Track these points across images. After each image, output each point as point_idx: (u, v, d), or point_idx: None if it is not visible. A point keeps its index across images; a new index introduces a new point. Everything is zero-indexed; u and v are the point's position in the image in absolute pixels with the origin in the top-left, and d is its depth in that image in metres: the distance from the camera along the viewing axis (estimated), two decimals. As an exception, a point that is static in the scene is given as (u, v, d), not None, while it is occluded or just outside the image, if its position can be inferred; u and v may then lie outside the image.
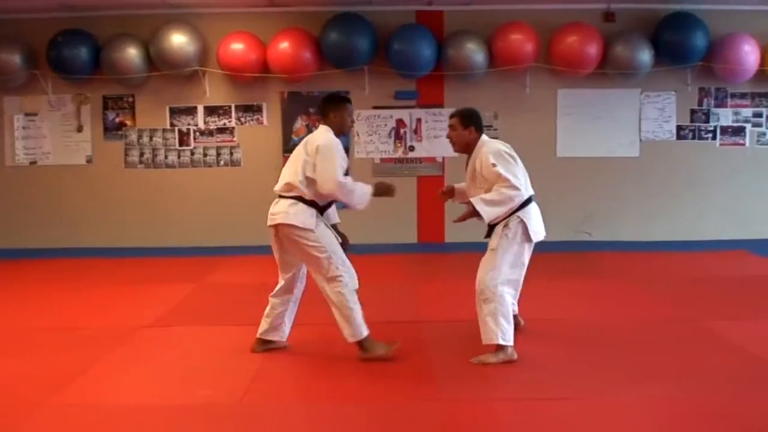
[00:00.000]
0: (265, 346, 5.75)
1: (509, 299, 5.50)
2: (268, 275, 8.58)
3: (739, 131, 11.10)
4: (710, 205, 11.09)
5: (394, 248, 10.41)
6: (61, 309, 7.29)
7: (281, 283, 5.74)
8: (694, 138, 11.05)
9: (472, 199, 5.52)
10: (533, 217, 5.59)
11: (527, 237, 5.54)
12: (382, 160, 10.85)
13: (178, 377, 5.16)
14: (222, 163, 10.84)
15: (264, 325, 5.74)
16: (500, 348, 5.43)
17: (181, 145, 10.85)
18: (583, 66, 10.31)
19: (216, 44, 10.39)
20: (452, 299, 7.41)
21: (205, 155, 10.83)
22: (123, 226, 10.93)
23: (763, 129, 11.13)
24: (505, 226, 5.52)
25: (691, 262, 9.35)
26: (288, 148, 10.74)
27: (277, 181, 5.55)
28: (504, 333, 5.39)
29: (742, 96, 11.06)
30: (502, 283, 5.47)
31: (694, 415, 4.40)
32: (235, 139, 10.83)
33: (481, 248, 10.17)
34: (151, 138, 10.85)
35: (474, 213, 5.49)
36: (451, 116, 5.84)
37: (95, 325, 6.54)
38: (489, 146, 5.63)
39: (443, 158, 10.86)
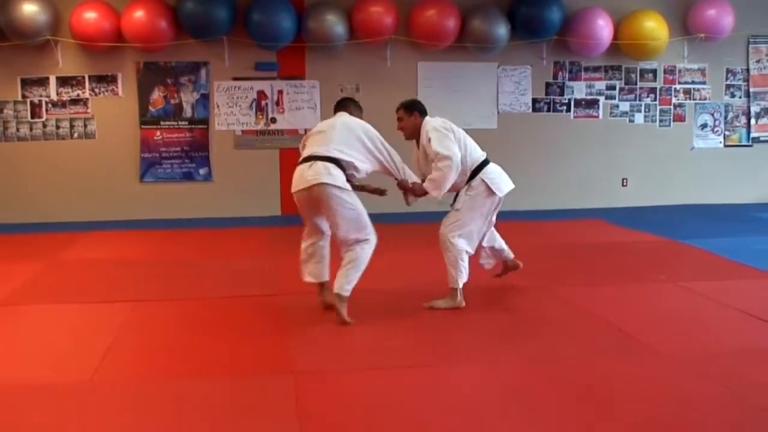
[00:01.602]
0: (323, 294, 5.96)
1: (464, 247, 5.97)
2: (124, 250, 8.48)
3: (592, 104, 11.48)
4: (566, 175, 11.46)
5: (257, 221, 10.32)
6: None
7: (304, 235, 5.93)
8: (549, 111, 11.38)
9: (426, 186, 5.85)
10: (494, 175, 6.07)
11: (490, 192, 6.00)
12: (243, 132, 10.71)
13: (22, 357, 4.95)
14: (76, 135, 10.45)
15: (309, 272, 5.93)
16: (453, 292, 5.97)
17: (33, 117, 10.40)
18: (442, 39, 10.44)
19: (68, 13, 9.98)
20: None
21: (58, 127, 10.42)
22: (-29, 202, 10.43)
23: (615, 101, 11.56)
24: (469, 188, 6.00)
25: (548, 231, 9.61)
26: (145, 119, 10.46)
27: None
28: (453, 280, 5.94)
29: (596, 69, 11.44)
30: (460, 235, 5.96)
31: (541, 379, 4.53)
32: (89, 110, 10.47)
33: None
34: (1, 110, 10.36)
35: (425, 193, 5.90)
36: (397, 110, 6.13)
37: (-64, 305, 6.21)
38: (428, 125, 5.96)
39: (306, 130, 10.79)
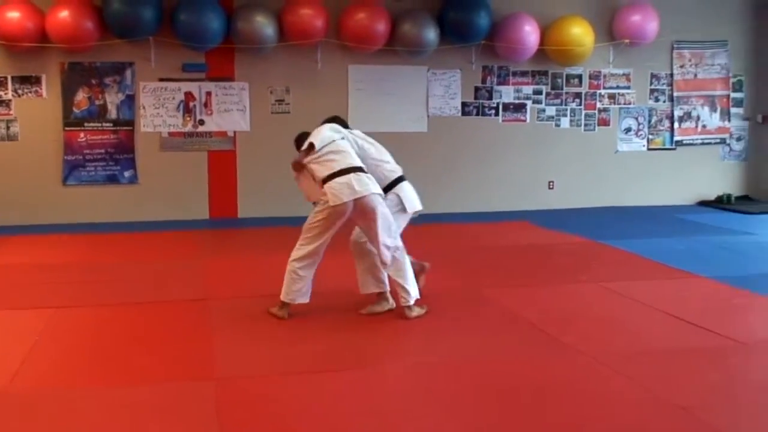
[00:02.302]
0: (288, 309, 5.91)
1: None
2: (46, 255, 8.30)
3: (520, 108, 11.62)
4: (494, 178, 11.57)
5: (184, 225, 10.18)
6: None
7: (314, 252, 5.85)
8: (478, 114, 11.47)
9: None
10: (408, 192, 6.21)
11: (403, 208, 6.10)
12: (170, 134, 10.56)
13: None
14: (-3, 137, 10.21)
15: (294, 291, 5.85)
16: (379, 296, 6.05)
17: (-47, 119, 10.13)
18: (372, 42, 10.45)
19: (-10, 12, 9.73)
20: (241, 275, 7.35)
21: (-21, 129, 10.16)
22: None
23: (542, 106, 11.70)
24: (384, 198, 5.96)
25: (475, 233, 9.69)
26: (69, 121, 10.26)
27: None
28: (368, 285, 6.07)
29: (523, 74, 11.58)
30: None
31: (463, 381, 4.58)
32: (11, 112, 10.19)
33: (274, 223, 10.07)
34: None
35: None
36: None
37: None
38: None
39: (234, 133, 10.72)
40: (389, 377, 4.66)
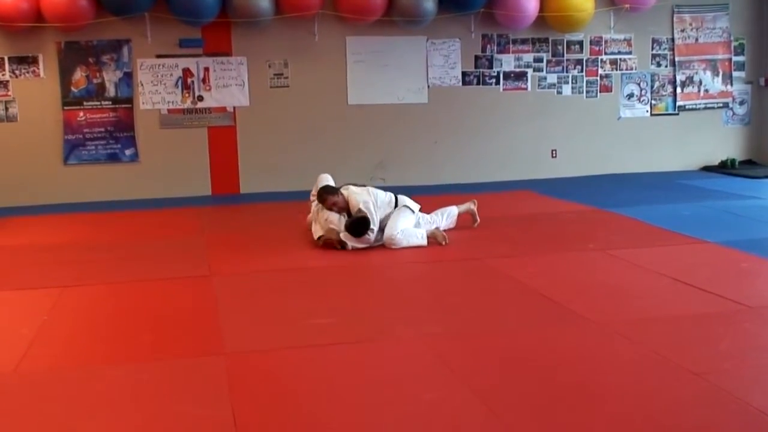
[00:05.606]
0: None
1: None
2: (50, 235, 8.28)
3: (520, 76, 11.53)
4: (496, 147, 11.51)
5: (187, 201, 10.14)
6: None
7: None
8: (478, 84, 11.39)
9: None
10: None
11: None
12: (169, 111, 10.49)
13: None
14: (-4, 118, 10.15)
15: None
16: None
17: (-49, 101, 10.06)
18: (370, 13, 10.33)
19: (-16, -7, 9.63)
20: (245, 251, 7.31)
21: (-23, 111, 10.10)
22: None
23: (543, 74, 11.62)
24: None
25: (479, 203, 9.50)
26: (67, 100, 10.20)
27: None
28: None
29: (523, 42, 11.48)
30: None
31: (472, 350, 4.57)
32: (9, 93, 10.13)
33: (276, 197, 10.04)
34: None
35: None
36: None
37: None
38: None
39: (234, 108, 10.65)
40: (399, 349, 4.63)
